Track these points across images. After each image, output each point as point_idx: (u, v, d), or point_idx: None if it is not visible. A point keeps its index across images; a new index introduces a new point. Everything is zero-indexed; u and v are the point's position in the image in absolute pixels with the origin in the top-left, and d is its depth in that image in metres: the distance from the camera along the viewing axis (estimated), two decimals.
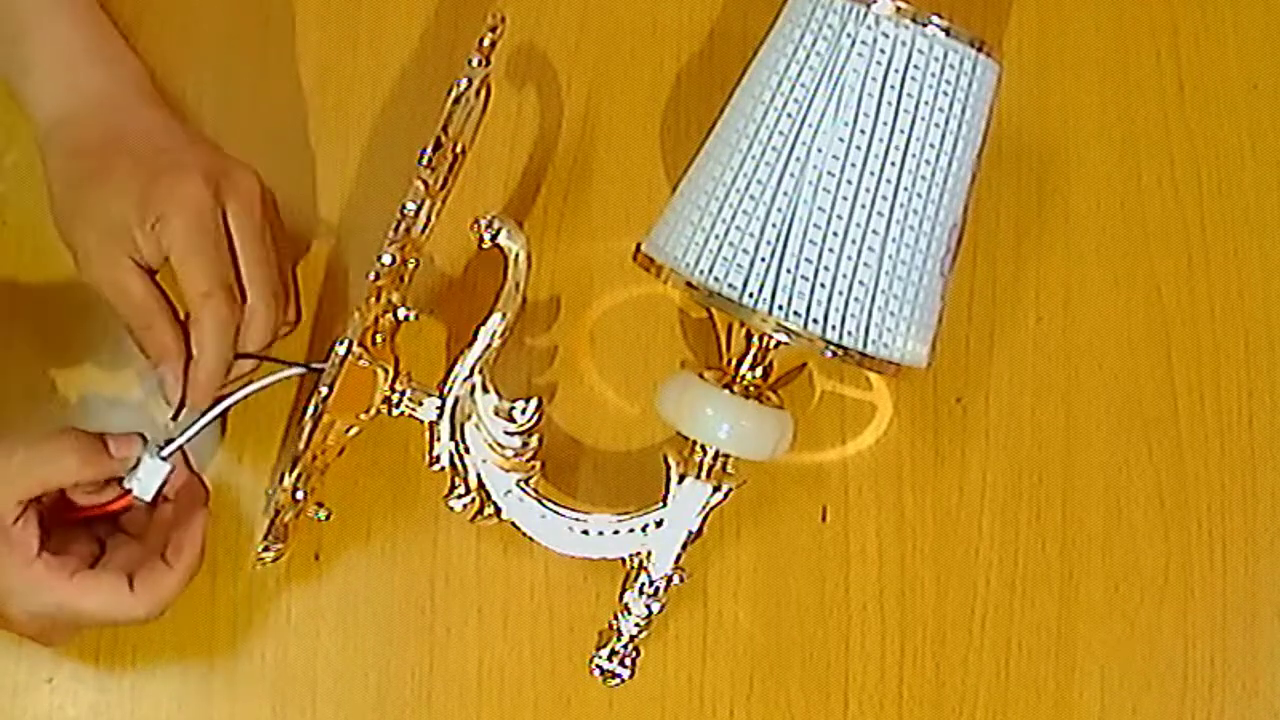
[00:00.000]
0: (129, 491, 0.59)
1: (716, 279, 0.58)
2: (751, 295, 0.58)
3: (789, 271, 0.57)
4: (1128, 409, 0.69)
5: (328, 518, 0.62)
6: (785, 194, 0.58)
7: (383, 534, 0.67)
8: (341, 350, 0.57)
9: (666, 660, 0.66)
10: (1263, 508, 0.69)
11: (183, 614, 0.63)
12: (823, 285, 0.57)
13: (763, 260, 0.58)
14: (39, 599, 0.57)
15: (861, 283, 0.58)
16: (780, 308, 0.57)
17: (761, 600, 0.67)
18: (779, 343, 0.60)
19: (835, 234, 0.57)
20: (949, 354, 0.69)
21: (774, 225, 0.58)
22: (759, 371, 0.62)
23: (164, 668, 0.65)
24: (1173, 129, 0.73)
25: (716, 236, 0.59)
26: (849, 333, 0.58)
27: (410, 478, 0.66)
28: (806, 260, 0.57)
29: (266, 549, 0.61)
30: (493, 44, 0.64)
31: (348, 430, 0.62)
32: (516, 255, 0.62)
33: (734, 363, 0.62)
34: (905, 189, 0.58)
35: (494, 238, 0.61)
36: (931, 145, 0.58)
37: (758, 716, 0.66)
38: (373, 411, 0.61)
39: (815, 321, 0.57)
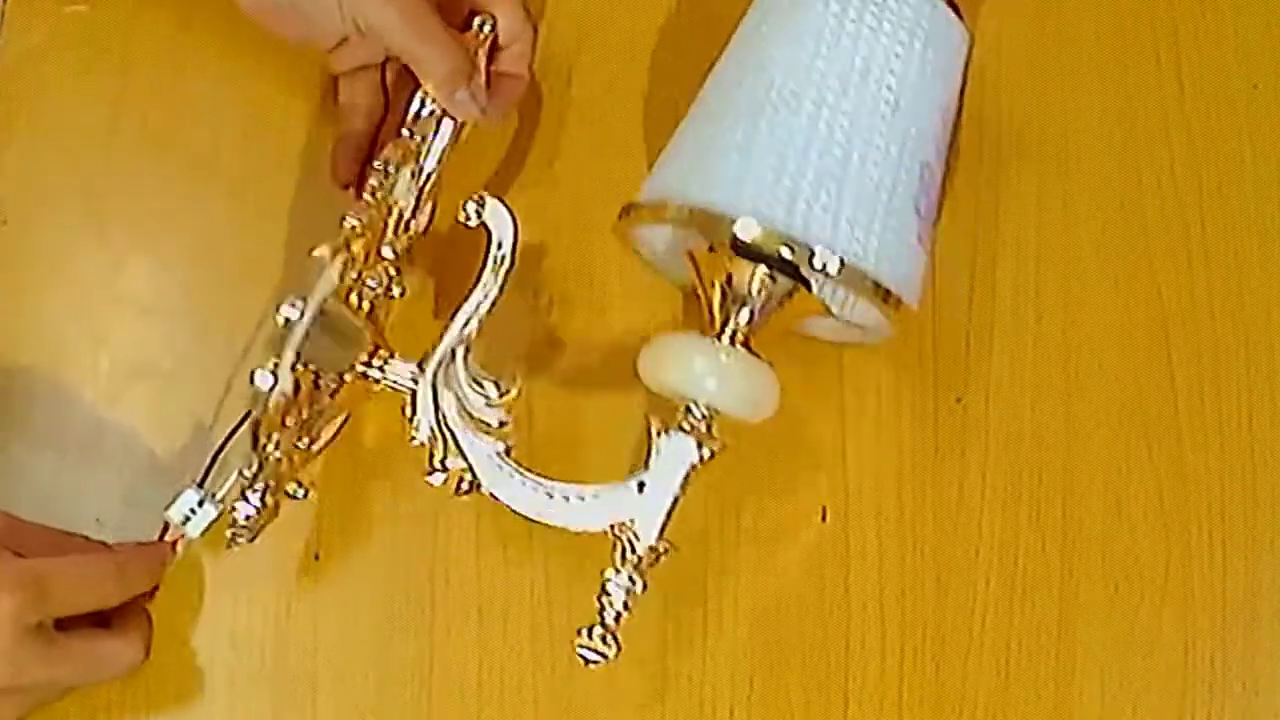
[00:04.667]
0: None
1: (699, 198, 0.59)
2: (731, 204, 0.58)
3: (763, 178, 0.58)
4: (1128, 409, 0.69)
5: (305, 495, 0.62)
6: (752, 112, 0.59)
7: (383, 534, 0.67)
8: (288, 311, 0.57)
9: (666, 660, 0.66)
10: (1263, 508, 0.69)
11: (181, 615, 0.63)
12: (801, 197, 0.58)
13: (736, 172, 0.58)
14: (30, 662, 0.57)
15: (829, 192, 0.58)
16: (760, 213, 0.58)
17: (761, 600, 0.67)
18: (762, 280, 0.59)
19: (804, 147, 0.58)
20: (949, 354, 0.69)
21: (744, 139, 0.59)
22: (745, 316, 0.61)
23: (163, 668, 0.65)
24: (1173, 129, 0.73)
25: (696, 157, 0.60)
26: (827, 242, 0.58)
27: (410, 478, 0.66)
28: (774, 168, 0.58)
29: (238, 527, 0.61)
30: (487, 41, 0.65)
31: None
32: (501, 233, 0.62)
33: (718, 316, 0.61)
34: (869, 113, 0.60)
35: (479, 215, 0.61)
36: (893, 72, 0.60)
37: (758, 716, 0.66)
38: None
39: (796, 228, 0.58)
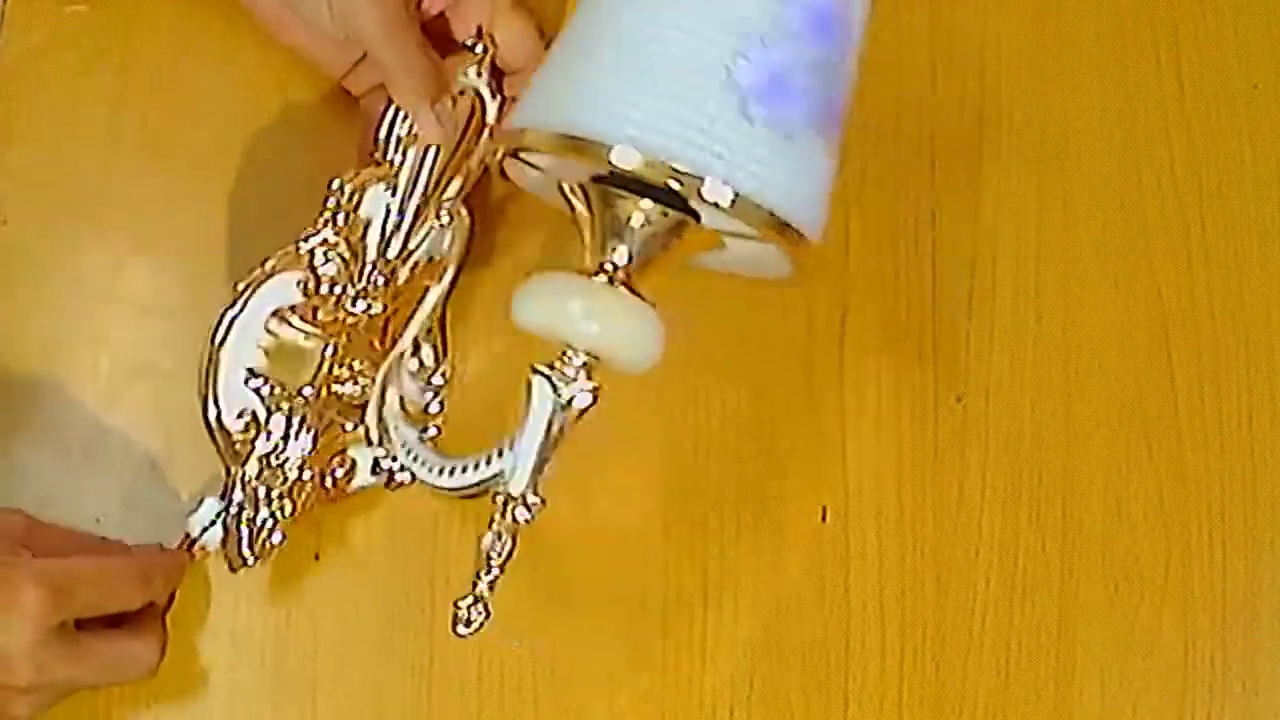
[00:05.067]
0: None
1: (571, 124, 0.53)
2: (607, 130, 0.53)
3: (643, 103, 0.53)
4: (1128, 409, 0.69)
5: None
6: (631, 33, 0.54)
7: (383, 534, 0.67)
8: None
9: (666, 660, 0.66)
10: (1263, 508, 0.69)
11: (182, 615, 0.63)
12: (685, 122, 0.53)
13: (612, 95, 0.53)
14: (52, 659, 0.57)
15: (715, 116, 0.53)
16: (640, 140, 0.52)
17: (761, 600, 0.67)
18: (645, 214, 0.55)
19: (686, 68, 0.53)
20: (949, 354, 0.69)
21: (621, 61, 0.54)
22: (624, 254, 0.56)
23: (163, 668, 0.64)
24: (1173, 129, 0.73)
25: (569, 81, 0.55)
26: (716, 171, 0.52)
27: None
28: (654, 91, 0.53)
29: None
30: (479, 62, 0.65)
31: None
32: (455, 229, 0.62)
33: (596, 253, 0.57)
34: (756, 32, 0.54)
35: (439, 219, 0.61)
36: None
37: (758, 716, 0.66)
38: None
39: (680, 156, 0.52)
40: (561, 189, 0.58)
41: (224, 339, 0.63)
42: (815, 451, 0.68)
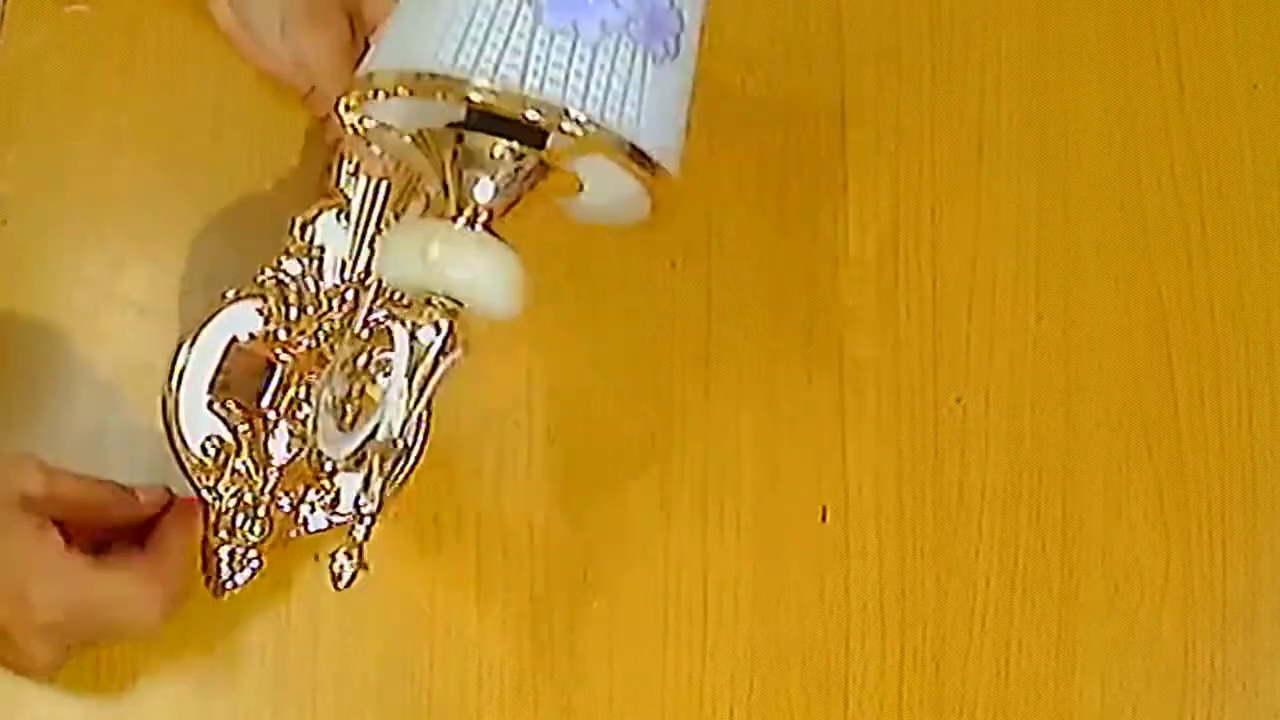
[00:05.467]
0: None
1: (421, 63, 0.52)
2: (458, 66, 0.51)
3: (492, 36, 0.52)
4: (1128, 409, 0.69)
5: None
6: None
7: (382, 534, 0.66)
8: None
9: (666, 660, 0.66)
10: (1263, 508, 0.69)
11: (182, 615, 0.63)
12: (534, 54, 0.52)
13: (461, 31, 0.52)
14: (67, 592, 0.58)
15: (567, 47, 0.52)
16: (493, 74, 0.51)
17: (761, 600, 0.67)
18: (503, 151, 0.54)
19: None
20: (949, 354, 0.69)
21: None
22: (484, 194, 0.54)
23: (163, 668, 0.65)
24: (1173, 129, 0.73)
25: (415, 22, 0.54)
26: (571, 103, 0.51)
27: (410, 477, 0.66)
28: (502, 25, 0.52)
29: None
30: None
31: None
32: None
33: (455, 197, 0.55)
34: None
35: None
36: None
37: (758, 716, 0.66)
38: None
39: (534, 88, 0.51)
40: (419, 142, 0.56)
41: (184, 368, 0.65)
42: (815, 451, 0.68)
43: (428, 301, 0.54)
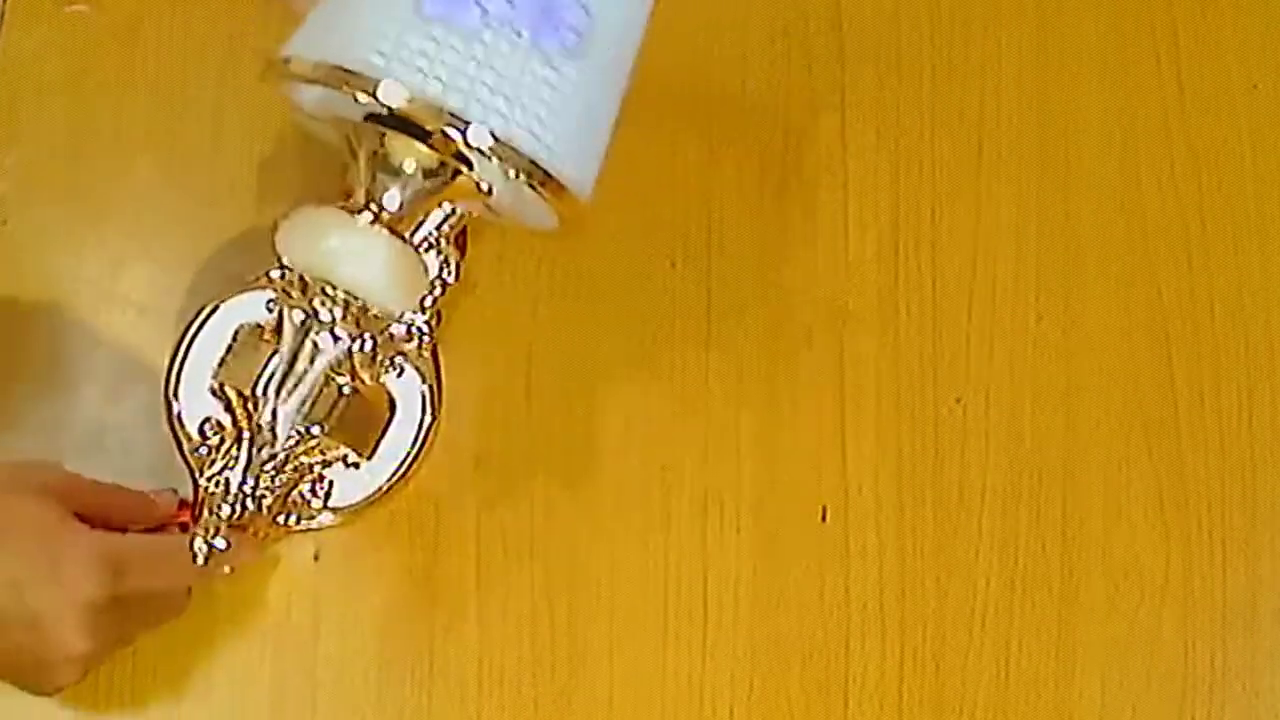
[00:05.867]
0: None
1: (341, 56, 0.51)
2: (376, 65, 0.51)
3: (417, 39, 0.51)
4: (1128, 409, 0.69)
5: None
6: None
7: (382, 534, 0.67)
8: None
9: (666, 660, 0.66)
10: (1263, 508, 0.69)
11: (181, 616, 0.63)
12: (458, 63, 0.51)
13: (386, 29, 0.51)
14: (101, 560, 0.57)
15: (488, 59, 0.51)
16: (410, 79, 0.50)
17: (761, 600, 0.67)
18: (419, 157, 0.53)
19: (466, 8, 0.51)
20: (949, 354, 0.69)
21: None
22: (394, 198, 0.54)
23: (164, 668, 0.65)
24: (1173, 129, 0.73)
25: (344, 11, 0.53)
26: (483, 118, 0.51)
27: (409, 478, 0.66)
28: (432, 32, 0.51)
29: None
30: None
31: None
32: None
33: (365, 192, 0.55)
34: None
35: None
36: None
37: (758, 716, 0.66)
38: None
39: (452, 99, 0.51)
40: (337, 126, 0.56)
41: (187, 350, 0.65)
42: (815, 452, 0.68)
43: (322, 290, 0.55)
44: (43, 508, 0.58)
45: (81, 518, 0.58)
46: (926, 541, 0.68)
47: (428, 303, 0.66)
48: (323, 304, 0.56)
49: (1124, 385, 0.70)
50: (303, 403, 0.59)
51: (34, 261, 0.68)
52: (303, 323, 0.57)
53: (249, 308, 0.65)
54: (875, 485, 0.68)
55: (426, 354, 0.66)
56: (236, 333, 0.65)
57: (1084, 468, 0.69)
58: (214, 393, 0.64)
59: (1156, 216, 0.72)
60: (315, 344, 0.59)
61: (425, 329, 0.66)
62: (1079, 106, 0.73)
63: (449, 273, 0.66)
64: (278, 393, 0.58)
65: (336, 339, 0.56)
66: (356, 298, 0.55)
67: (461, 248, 0.67)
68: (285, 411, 0.60)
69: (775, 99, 0.72)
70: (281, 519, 0.64)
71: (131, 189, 0.69)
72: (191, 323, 0.65)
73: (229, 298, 0.66)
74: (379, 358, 0.64)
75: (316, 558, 0.66)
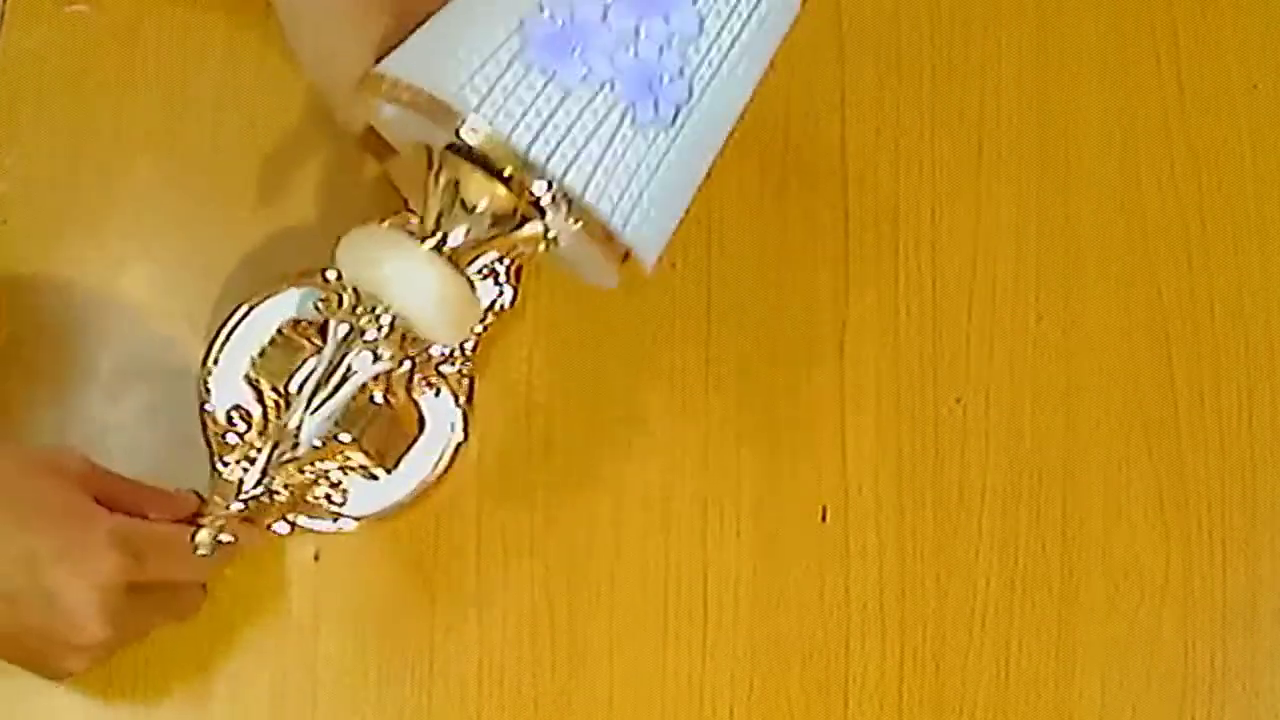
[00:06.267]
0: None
1: (433, 84, 0.52)
2: (465, 100, 0.51)
3: (514, 84, 0.51)
4: (1128, 409, 0.69)
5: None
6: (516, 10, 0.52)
7: (382, 534, 0.67)
8: None
9: (666, 660, 0.66)
10: (1263, 508, 0.69)
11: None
12: (552, 115, 0.51)
13: (485, 69, 0.51)
14: (121, 534, 0.57)
15: (592, 120, 0.51)
16: (495, 120, 0.51)
17: (761, 600, 0.67)
18: (493, 198, 0.53)
19: (572, 61, 0.51)
20: (949, 354, 0.69)
21: (503, 34, 0.52)
22: (461, 232, 0.54)
23: (165, 668, 0.65)
24: (1173, 129, 0.73)
25: (448, 42, 0.53)
26: (563, 175, 0.51)
27: None
28: (530, 79, 0.51)
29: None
30: None
31: None
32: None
33: (433, 221, 0.55)
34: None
35: None
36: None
37: (758, 716, 0.66)
38: None
39: (534, 147, 0.51)
40: (419, 150, 0.56)
41: (230, 334, 0.65)
42: (815, 452, 0.68)
43: (371, 309, 0.55)
44: (64, 489, 0.58)
45: (101, 505, 0.58)
46: (926, 541, 0.68)
47: (477, 329, 0.66)
48: (370, 323, 0.55)
49: (1124, 385, 0.70)
50: (334, 410, 0.59)
51: (34, 261, 0.68)
52: (345, 336, 0.56)
53: (294, 303, 0.65)
54: (875, 485, 0.68)
55: (464, 377, 0.66)
56: (280, 328, 0.64)
57: (1084, 468, 0.69)
58: (248, 381, 0.64)
59: (1156, 216, 0.72)
60: (354, 360, 0.59)
61: (466, 354, 0.66)
62: (1079, 106, 0.73)
63: (502, 302, 0.67)
64: (310, 396, 0.58)
65: (376, 358, 0.56)
66: (403, 321, 0.55)
67: (518, 278, 0.67)
68: (315, 415, 0.60)
69: (775, 99, 0.72)
70: (291, 516, 0.64)
71: (131, 189, 0.69)
72: (235, 312, 0.65)
73: (277, 292, 0.65)
74: (416, 377, 0.64)
75: (316, 558, 0.66)
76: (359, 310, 0.55)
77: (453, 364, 0.66)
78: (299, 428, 0.58)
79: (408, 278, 0.53)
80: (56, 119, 0.70)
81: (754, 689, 0.66)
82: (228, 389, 0.65)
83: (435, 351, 0.65)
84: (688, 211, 0.56)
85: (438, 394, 0.66)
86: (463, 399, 0.66)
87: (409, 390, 0.65)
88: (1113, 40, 0.73)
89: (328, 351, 0.57)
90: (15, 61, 0.70)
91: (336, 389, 0.57)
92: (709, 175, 0.57)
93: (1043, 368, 0.70)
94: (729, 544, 0.67)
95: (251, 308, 0.66)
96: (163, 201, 0.69)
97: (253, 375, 0.64)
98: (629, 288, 0.69)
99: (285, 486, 0.63)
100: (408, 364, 0.63)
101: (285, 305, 0.66)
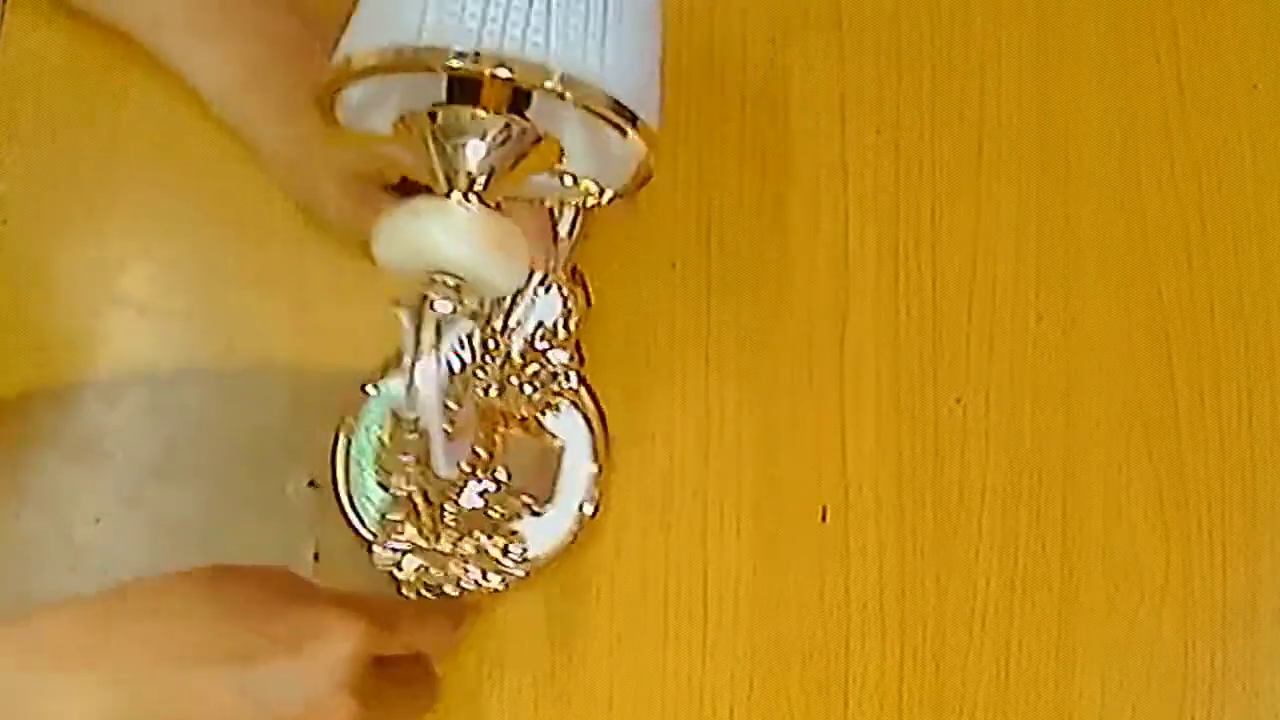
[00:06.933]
0: None
1: (401, 39, 0.50)
2: (439, 36, 0.50)
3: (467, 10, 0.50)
4: (1128, 409, 0.69)
5: None
6: None
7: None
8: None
9: (666, 660, 0.66)
10: (1263, 508, 0.69)
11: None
12: (510, 18, 0.50)
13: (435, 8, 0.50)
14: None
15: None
16: (470, 42, 0.49)
17: (761, 600, 0.67)
18: (483, 128, 0.53)
19: None
20: (949, 354, 0.69)
21: None
22: (474, 164, 0.53)
23: None
24: (1173, 129, 0.73)
25: (382, 8, 0.52)
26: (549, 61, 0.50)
27: None
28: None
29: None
30: None
31: None
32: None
33: (444, 175, 0.54)
34: None
35: None
36: None
37: (758, 716, 0.66)
38: None
39: (508, 49, 0.50)
40: (399, 131, 0.55)
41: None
42: (815, 452, 0.68)
43: (430, 280, 0.53)
44: (272, 571, 0.57)
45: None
46: (926, 541, 0.68)
47: (561, 335, 0.67)
48: (441, 290, 0.53)
49: (1124, 385, 0.70)
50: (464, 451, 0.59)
51: (34, 261, 0.68)
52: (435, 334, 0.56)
53: (380, 405, 0.66)
54: (875, 485, 0.68)
55: (576, 385, 0.67)
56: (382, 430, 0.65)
57: (1084, 468, 0.69)
58: (380, 485, 0.65)
59: (1156, 216, 0.72)
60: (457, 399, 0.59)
61: (569, 361, 0.67)
62: (1079, 106, 0.73)
63: (575, 302, 0.67)
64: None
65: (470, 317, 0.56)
66: (462, 279, 0.53)
67: (584, 287, 0.68)
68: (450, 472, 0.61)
69: (775, 99, 0.72)
70: (479, 578, 0.65)
71: (130, 189, 0.69)
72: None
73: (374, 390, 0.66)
74: (525, 393, 0.65)
75: (317, 558, 0.66)
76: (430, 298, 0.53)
77: (557, 376, 0.66)
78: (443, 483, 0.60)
79: (459, 230, 0.52)
80: (56, 119, 0.70)
81: (754, 689, 0.66)
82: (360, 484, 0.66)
83: (533, 369, 0.66)
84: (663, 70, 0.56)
85: (559, 412, 0.66)
86: (585, 406, 0.67)
87: (531, 413, 0.65)
88: (1113, 40, 0.73)
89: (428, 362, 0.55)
90: (15, 61, 0.70)
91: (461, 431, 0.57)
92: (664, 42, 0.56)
93: (1043, 368, 0.70)
94: (729, 544, 0.67)
95: (349, 439, 0.66)
96: (163, 201, 0.69)
97: (381, 478, 0.65)
98: (629, 285, 0.70)
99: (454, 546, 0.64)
100: (530, 389, 0.65)
101: (375, 412, 0.66)
